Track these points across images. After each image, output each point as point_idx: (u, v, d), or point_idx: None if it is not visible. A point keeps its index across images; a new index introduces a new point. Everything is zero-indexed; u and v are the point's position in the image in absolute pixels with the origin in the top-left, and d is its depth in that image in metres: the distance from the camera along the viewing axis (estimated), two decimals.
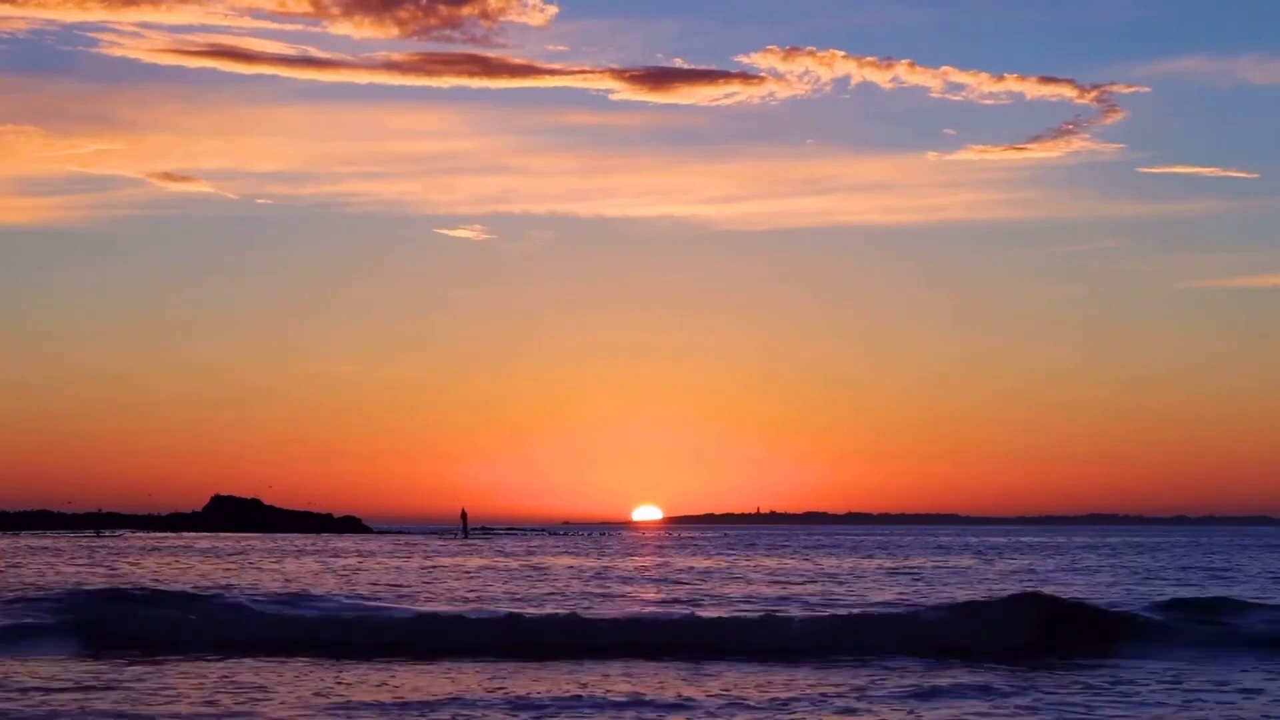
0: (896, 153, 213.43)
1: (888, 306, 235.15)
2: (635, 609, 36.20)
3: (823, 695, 21.65)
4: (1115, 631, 28.86)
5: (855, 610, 32.99)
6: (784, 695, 21.64)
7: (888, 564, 68.19)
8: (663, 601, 39.73)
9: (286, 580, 49.59)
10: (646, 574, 56.84)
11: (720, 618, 31.20)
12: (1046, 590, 38.86)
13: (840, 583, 49.99)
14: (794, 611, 33.84)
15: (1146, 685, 22.75)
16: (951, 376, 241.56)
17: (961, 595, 41.23)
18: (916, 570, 60.79)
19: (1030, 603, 29.78)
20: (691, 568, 63.23)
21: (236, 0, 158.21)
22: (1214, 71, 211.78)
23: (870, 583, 50.23)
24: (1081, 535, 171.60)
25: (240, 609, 31.60)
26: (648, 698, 21.28)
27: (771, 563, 69.20)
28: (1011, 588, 45.21)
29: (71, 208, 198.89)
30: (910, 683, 22.94)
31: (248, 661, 25.55)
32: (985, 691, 21.98)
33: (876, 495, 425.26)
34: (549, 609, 35.09)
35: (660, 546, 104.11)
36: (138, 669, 24.35)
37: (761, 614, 31.73)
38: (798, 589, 45.81)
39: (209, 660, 25.73)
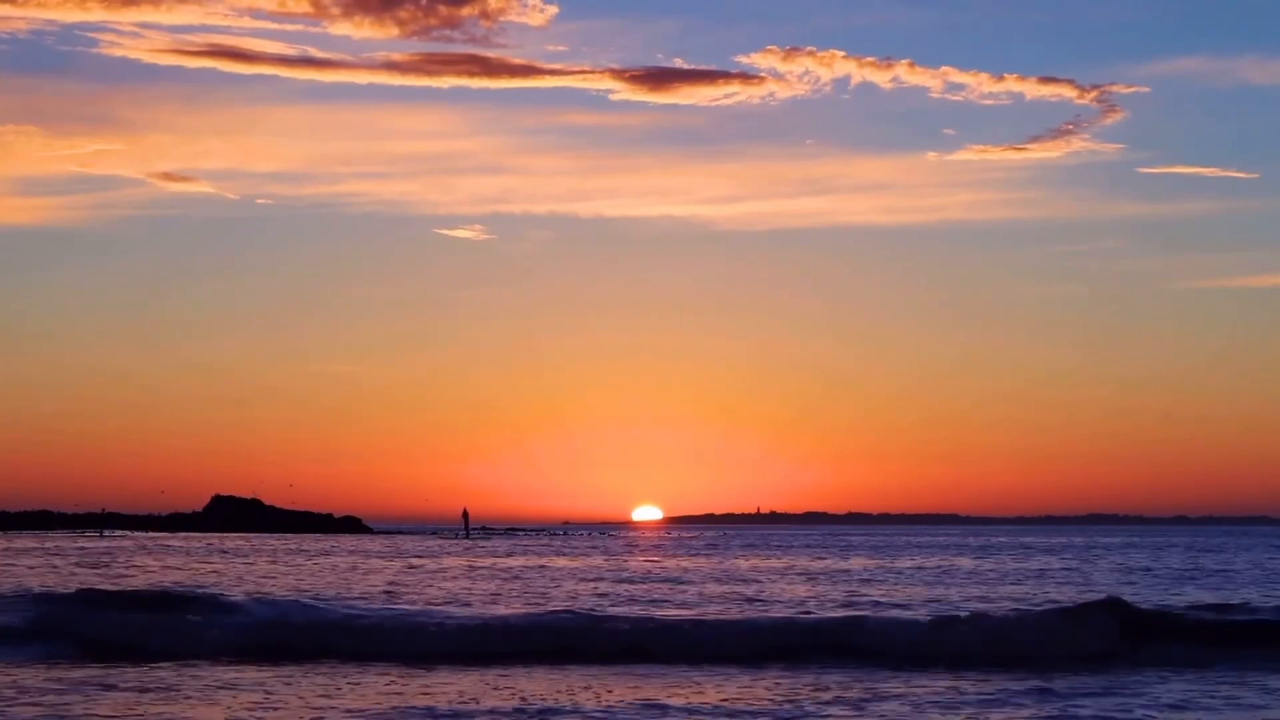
0: (896, 153, 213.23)
1: (888, 306, 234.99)
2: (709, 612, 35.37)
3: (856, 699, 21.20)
4: (1201, 637, 27.85)
5: (938, 614, 31.49)
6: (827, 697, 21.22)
7: (932, 564, 67.78)
8: (731, 601, 38.90)
9: (273, 582, 49.10)
10: (714, 578, 56.35)
11: (795, 619, 30.54)
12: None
13: (866, 582, 49.57)
14: (776, 613, 33.37)
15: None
16: (951, 376, 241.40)
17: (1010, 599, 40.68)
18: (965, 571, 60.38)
19: (1110, 609, 28.70)
20: (753, 568, 62.79)
21: (236, 0, 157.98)
22: (1214, 71, 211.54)
23: (915, 584, 49.78)
24: (1082, 535, 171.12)
25: (223, 612, 30.44)
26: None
27: (780, 563, 68.81)
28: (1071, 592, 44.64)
29: (71, 208, 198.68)
30: (1003, 689, 22.19)
31: (238, 666, 24.85)
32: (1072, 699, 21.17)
33: (876, 495, 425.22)
34: (558, 611, 34.60)
35: (700, 548, 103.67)
36: (92, 672, 23.69)
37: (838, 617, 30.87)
38: (825, 589, 45.40)
39: (195, 665, 25.03)
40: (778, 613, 33.85)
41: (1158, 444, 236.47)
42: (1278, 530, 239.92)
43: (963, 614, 30.44)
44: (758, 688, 22.32)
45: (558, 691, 21.75)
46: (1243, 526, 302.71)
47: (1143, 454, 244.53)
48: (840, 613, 33.07)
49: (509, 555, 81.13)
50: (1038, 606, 33.95)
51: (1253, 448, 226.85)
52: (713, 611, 34.70)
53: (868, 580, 51.69)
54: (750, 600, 39.67)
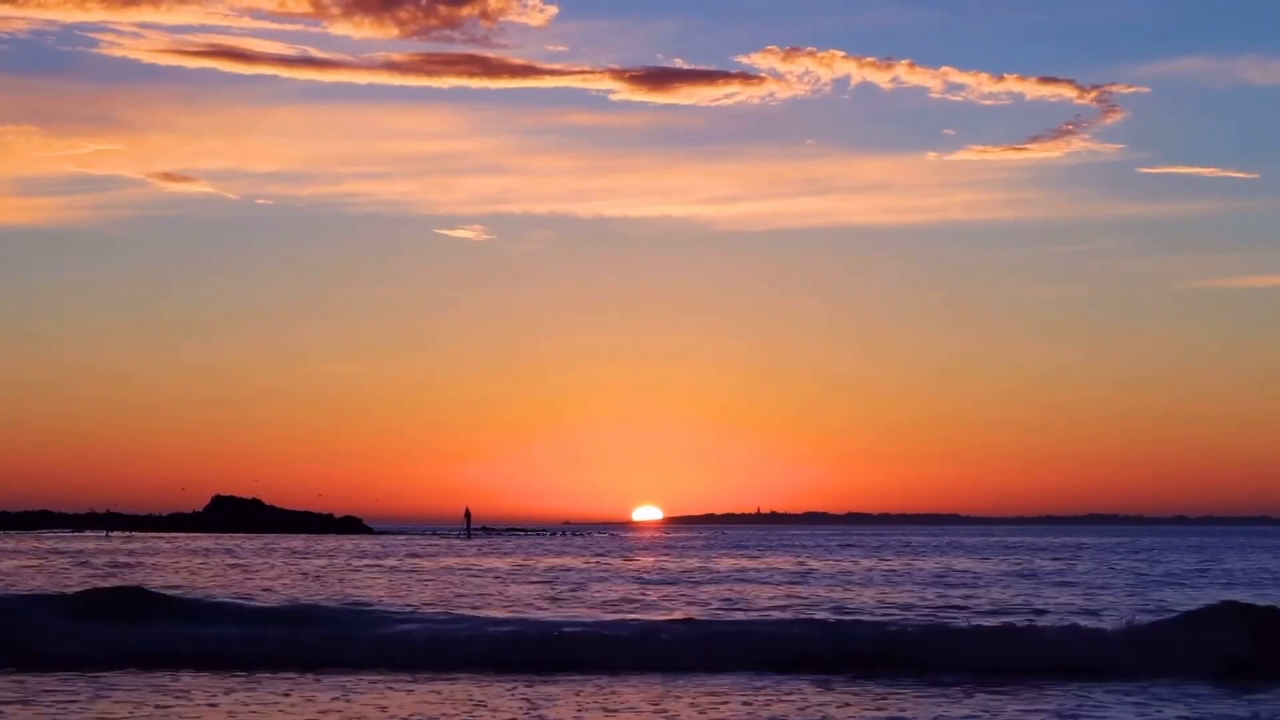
0: (896, 153, 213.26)
1: (888, 306, 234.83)
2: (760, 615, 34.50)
3: None
4: None
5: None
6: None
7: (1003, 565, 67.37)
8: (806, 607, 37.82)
9: (271, 583, 48.66)
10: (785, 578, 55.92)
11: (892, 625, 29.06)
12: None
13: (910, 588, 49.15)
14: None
15: None
16: (951, 376, 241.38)
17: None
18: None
19: (1237, 613, 26.55)
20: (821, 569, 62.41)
21: (236, 0, 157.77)
22: (1214, 71, 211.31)
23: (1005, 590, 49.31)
24: (1083, 535, 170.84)
25: (216, 615, 29.47)
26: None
27: (799, 563, 68.50)
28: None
29: (71, 208, 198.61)
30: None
31: (225, 675, 23.98)
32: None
33: (876, 495, 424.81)
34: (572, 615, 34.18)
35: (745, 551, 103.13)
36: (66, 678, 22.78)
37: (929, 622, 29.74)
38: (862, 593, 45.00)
39: (188, 671, 24.06)
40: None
41: (1158, 444, 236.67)
42: (1278, 530, 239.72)
43: (1064, 622, 28.39)
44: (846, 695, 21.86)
45: (568, 696, 21.33)
46: (1243, 526, 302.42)
47: (1143, 454, 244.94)
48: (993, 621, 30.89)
49: (507, 555, 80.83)
50: (1151, 615, 31.60)
51: (1253, 448, 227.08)
52: (787, 612, 34.19)
53: (953, 584, 51.29)
54: (836, 608, 36.86)
